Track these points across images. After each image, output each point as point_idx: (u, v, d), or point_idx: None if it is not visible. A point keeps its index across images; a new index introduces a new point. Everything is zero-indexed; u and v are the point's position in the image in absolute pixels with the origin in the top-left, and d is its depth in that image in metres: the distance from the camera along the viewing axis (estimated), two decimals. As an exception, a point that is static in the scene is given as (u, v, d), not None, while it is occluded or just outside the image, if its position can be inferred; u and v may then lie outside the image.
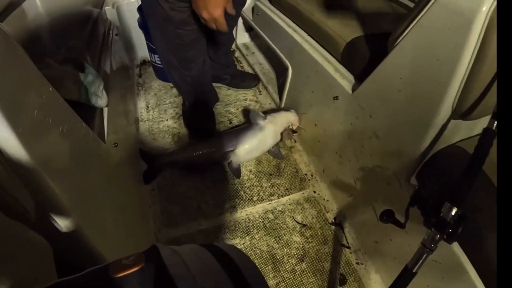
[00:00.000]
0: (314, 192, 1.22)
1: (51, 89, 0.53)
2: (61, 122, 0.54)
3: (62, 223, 0.47)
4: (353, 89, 0.94)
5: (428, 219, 0.57)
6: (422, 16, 0.67)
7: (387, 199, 0.88)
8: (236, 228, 1.09)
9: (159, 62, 1.56)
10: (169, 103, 1.55)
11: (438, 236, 0.55)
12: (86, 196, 0.56)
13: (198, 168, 1.25)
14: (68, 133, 0.55)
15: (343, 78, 0.99)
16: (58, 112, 0.54)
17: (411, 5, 1.14)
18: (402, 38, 0.73)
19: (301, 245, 1.06)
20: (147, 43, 1.56)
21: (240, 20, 1.80)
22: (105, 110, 0.87)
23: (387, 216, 0.65)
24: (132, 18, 1.58)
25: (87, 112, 0.78)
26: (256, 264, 0.98)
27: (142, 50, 1.67)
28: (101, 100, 0.82)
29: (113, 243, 0.64)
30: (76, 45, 0.89)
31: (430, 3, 0.64)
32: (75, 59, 0.83)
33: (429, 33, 0.66)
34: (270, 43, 1.42)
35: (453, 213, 0.54)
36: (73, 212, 0.48)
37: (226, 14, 0.93)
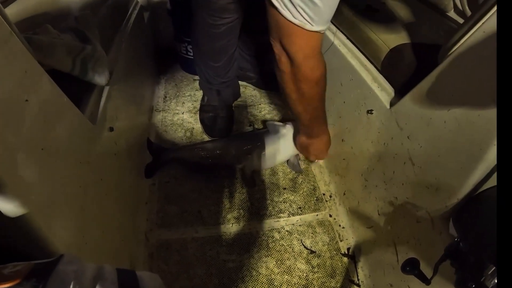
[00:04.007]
0: (330, 215, 1.07)
1: (24, 53, 0.44)
2: (29, 90, 0.45)
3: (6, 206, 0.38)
4: (392, 104, 0.79)
5: (464, 281, 0.47)
6: (488, 19, 0.52)
7: (412, 239, 0.72)
8: (235, 243, 0.96)
9: (184, 52, 1.48)
10: (188, 95, 1.46)
11: (472, 305, 0.43)
12: (47, 176, 0.47)
13: (206, 170, 1.14)
14: (36, 104, 0.46)
15: (381, 90, 0.85)
16: (27, 79, 0.45)
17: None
18: (460, 46, 0.58)
19: (304, 274, 0.91)
20: (174, 32, 1.48)
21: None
22: (106, 89, 0.78)
23: (411, 267, 0.55)
24: (162, 3, 1.50)
25: (80, 87, 0.69)
26: None
27: (168, 38, 1.59)
28: (99, 77, 0.73)
29: (77, 236, 0.55)
30: (84, 16, 0.81)
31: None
32: (78, 29, 0.74)
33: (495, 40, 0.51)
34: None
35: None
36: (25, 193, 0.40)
37: None
